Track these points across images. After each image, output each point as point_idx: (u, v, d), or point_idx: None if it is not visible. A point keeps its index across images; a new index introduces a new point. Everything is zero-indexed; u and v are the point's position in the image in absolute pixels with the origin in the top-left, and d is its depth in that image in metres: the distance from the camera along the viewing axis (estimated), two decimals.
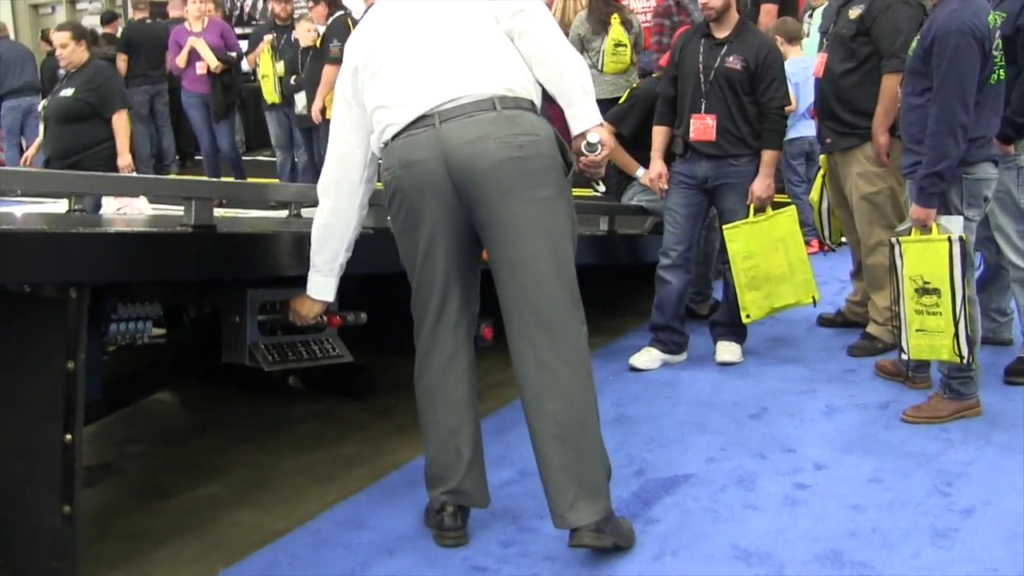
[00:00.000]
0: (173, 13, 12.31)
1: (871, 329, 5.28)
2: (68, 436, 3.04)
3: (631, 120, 5.82)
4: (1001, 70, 4.24)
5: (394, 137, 3.25)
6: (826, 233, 5.82)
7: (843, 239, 5.78)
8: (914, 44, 4.31)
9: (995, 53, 4.17)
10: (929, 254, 4.18)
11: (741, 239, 5.08)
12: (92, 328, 3.27)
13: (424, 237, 3.28)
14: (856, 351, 5.25)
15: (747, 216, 5.10)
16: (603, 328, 5.84)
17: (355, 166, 3.45)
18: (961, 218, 4.17)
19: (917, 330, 4.26)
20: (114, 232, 3.48)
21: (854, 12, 5.13)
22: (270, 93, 10.01)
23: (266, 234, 3.90)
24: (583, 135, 3.27)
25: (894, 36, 4.94)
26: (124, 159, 7.13)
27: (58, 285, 3.00)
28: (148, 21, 12.21)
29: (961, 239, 4.12)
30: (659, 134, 5.33)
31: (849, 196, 5.32)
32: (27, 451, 3.17)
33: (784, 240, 5.14)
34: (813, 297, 5.25)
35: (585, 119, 3.28)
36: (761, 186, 5.06)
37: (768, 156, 5.08)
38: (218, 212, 5.27)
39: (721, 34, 5.12)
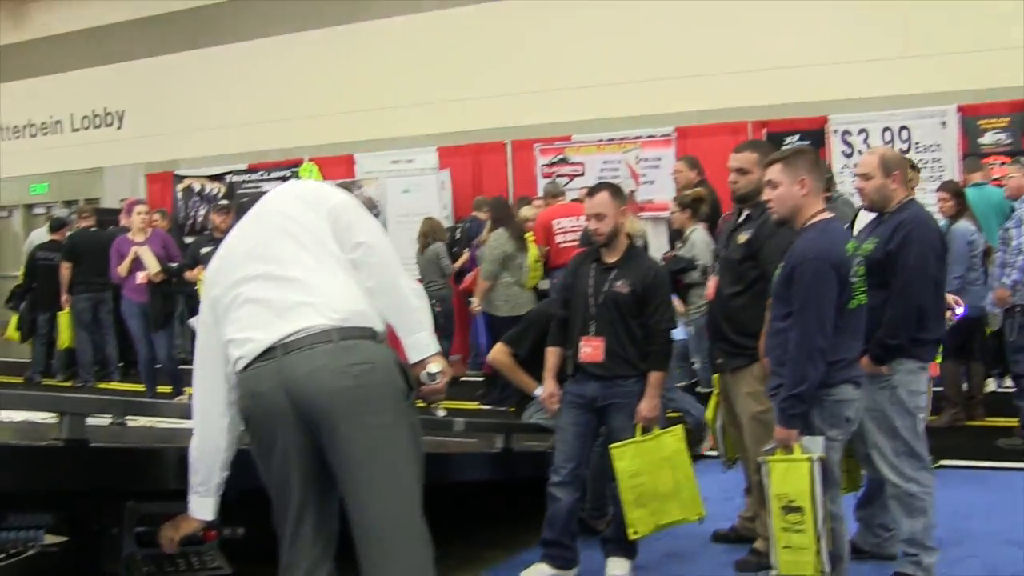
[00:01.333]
0: (124, 221, 12.55)
1: (758, 544, 5.35)
2: None
3: (527, 341, 6.01)
4: (862, 295, 4.47)
5: (244, 369, 3.39)
6: (721, 450, 5.98)
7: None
8: (778, 270, 4.56)
9: (854, 279, 4.41)
10: (792, 473, 4.33)
11: (628, 457, 5.19)
12: None
13: (277, 461, 3.39)
14: (742, 566, 5.34)
15: (634, 435, 5.23)
16: (506, 544, 5.87)
17: (219, 392, 3.56)
18: (822, 439, 4.34)
19: (784, 547, 4.37)
20: None
21: (743, 237, 5.37)
22: None
23: (141, 448, 4.01)
24: (423, 363, 3.44)
25: (781, 260, 5.19)
26: None
27: None
28: (93, 229, 12.47)
29: (821, 459, 4.29)
30: (551, 354, 5.52)
31: (740, 415, 5.48)
32: None
33: (671, 459, 5.25)
34: (699, 514, 5.34)
35: (423, 348, 3.45)
36: (647, 406, 5.22)
37: (654, 377, 5.26)
38: (135, 422, 5.40)
39: (610, 259, 5.37)
